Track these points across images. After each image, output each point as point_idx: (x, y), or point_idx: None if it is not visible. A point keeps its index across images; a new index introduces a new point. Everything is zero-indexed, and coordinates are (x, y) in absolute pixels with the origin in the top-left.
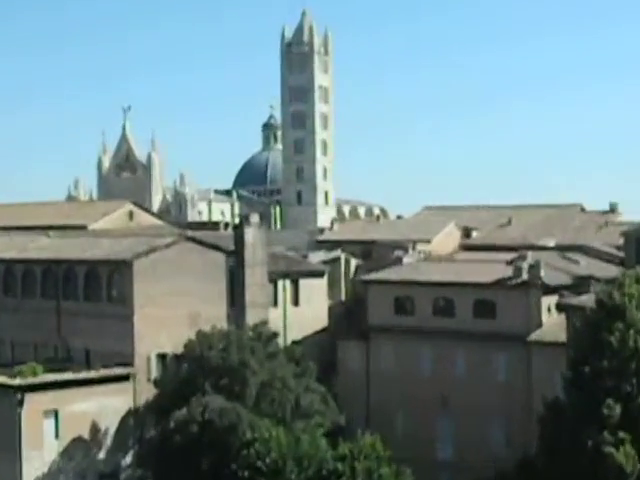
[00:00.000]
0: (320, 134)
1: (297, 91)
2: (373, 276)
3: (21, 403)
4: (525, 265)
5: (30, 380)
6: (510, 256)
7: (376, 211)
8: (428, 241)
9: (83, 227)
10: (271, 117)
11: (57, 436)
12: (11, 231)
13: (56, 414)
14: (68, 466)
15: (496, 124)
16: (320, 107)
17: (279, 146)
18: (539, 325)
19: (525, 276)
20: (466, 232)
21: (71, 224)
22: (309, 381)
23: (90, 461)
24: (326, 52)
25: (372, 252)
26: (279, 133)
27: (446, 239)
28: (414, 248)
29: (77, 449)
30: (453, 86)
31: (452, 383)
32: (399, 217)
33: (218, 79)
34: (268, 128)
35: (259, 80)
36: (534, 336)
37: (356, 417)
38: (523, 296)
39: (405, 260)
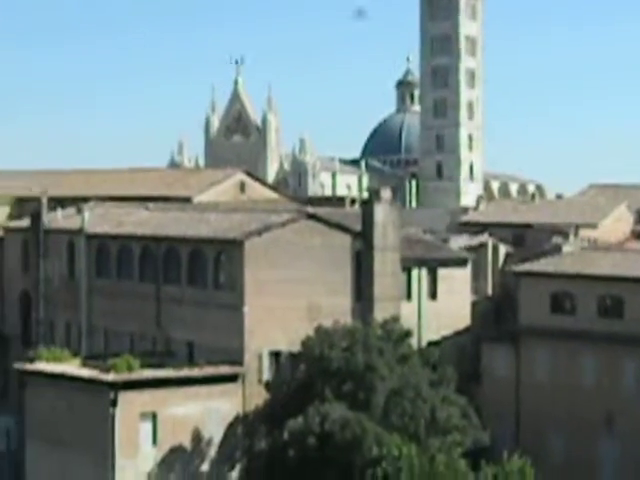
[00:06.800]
0: (466, 94)
1: (439, 41)
2: (526, 267)
3: (114, 403)
4: None
5: (125, 376)
6: None
7: (531, 188)
8: (594, 226)
9: (187, 199)
10: (408, 73)
11: (154, 443)
12: (105, 202)
13: (154, 417)
14: (166, 479)
15: None
16: (467, 61)
17: (416, 108)
18: None
19: None
20: None
21: (174, 195)
22: (447, 391)
23: (191, 474)
24: None
25: (525, 238)
26: (417, 92)
27: (616, 224)
28: (577, 234)
29: (177, 459)
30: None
31: (620, 398)
32: (559, 196)
33: (345, 27)
34: (404, 86)
35: (394, 28)
36: None
37: (502, 435)
38: None
39: (565, 249)
